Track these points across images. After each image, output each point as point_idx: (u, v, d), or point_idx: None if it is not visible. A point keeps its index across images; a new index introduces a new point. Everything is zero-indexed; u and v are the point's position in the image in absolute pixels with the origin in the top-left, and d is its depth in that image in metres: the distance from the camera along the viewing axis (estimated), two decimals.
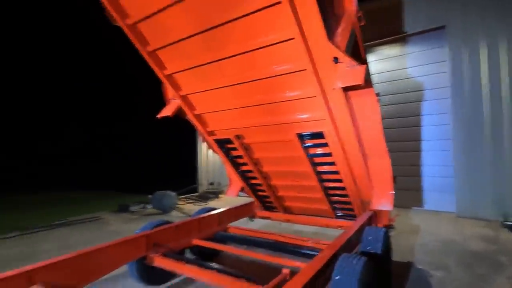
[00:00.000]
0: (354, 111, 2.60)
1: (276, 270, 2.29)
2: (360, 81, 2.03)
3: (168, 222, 3.28)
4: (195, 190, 11.83)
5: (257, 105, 2.99)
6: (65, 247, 4.48)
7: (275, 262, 2.78)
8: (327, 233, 4.92)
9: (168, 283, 3.16)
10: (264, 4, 2.12)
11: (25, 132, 22.09)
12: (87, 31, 20.46)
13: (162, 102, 3.61)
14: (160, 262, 2.72)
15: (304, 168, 3.33)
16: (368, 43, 7.62)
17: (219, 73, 2.83)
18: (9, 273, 1.91)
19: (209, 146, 3.95)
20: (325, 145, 2.95)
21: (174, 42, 2.68)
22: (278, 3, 2.05)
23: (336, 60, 2.19)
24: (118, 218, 7.04)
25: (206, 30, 2.48)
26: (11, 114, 21.25)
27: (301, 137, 2.97)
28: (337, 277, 1.78)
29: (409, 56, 7.36)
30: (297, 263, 2.56)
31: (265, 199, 4.42)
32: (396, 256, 3.72)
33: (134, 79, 19.87)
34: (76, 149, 23.79)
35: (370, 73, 7.01)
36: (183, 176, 13.04)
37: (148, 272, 2.92)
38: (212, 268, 2.41)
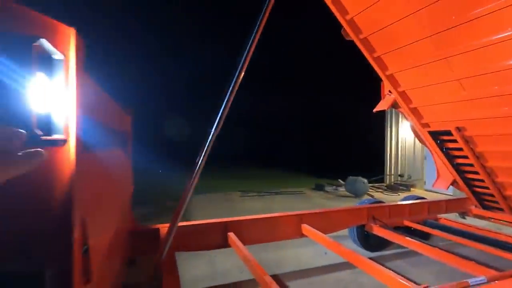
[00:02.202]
0: None
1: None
2: None
3: (381, 202, 3.82)
4: (382, 180, 11.74)
5: (489, 96, 2.89)
6: (289, 208, 6.06)
7: (503, 257, 2.68)
8: None
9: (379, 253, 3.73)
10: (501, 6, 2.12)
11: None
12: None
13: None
14: (379, 231, 3.31)
15: None
16: None
17: (447, 68, 2.97)
18: (288, 213, 3.10)
19: (419, 138, 4.10)
20: None
21: (401, 47, 3.09)
22: None
23: None
24: (317, 195, 8.38)
25: (436, 34, 2.72)
26: None
27: None
28: None
29: None
30: None
31: (485, 196, 4.03)
32: None
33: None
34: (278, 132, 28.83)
35: None
36: (370, 164, 13.16)
37: (365, 238, 3.61)
38: (435, 246, 2.73)
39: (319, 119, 26.50)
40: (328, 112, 25.10)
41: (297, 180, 12.30)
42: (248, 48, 1.94)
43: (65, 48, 0.72)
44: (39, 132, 0.67)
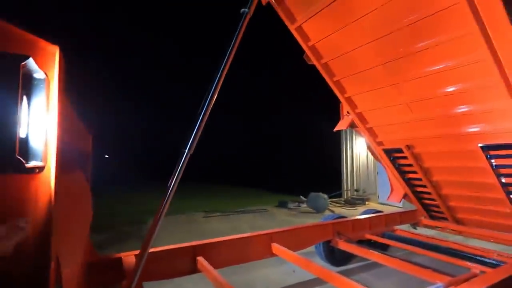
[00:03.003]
0: None
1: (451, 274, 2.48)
2: None
3: (343, 217, 3.99)
4: (340, 195, 12.30)
5: (432, 118, 3.26)
6: (257, 227, 6.01)
7: (455, 263, 2.95)
8: None
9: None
10: (456, 34, 2.47)
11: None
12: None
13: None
14: (344, 245, 3.43)
15: (487, 180, 3.28)
16: None
17: (396, 93, 3.31)
18: (255, 233, 3.08)
19: (374, 155, 4.43)
20: None
21: (357, 73, 3.38)
22: (468, 31, 2.37)
23: None
24: (281, 212, 8.46)
25: (387, 62, 3.04)
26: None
27: (485, 148, 3.01)
28: None
29: None
30: (480, 268, 2.67)
31: (432, 207, 4.44)
32: None
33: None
34: (237, 150, 28.99)
35: None
36: (327, 180, 13.76)
37: (331, 254, 3.71)
38: (395, 257, 2.90)
39: (278, 137, 27.34)
40: (286, 130, 26.06)
41: (260, 198, 12.33)
42: (221, 69, 1.97)
43: (49, 67, 0.66)
44: (22, 160, 0.59)
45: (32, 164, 0.62)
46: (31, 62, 0.59)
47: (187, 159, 1.80)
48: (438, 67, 2.80)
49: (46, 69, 0.65)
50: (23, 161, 0.59)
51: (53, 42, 0.66)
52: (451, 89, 2.88)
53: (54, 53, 0.66)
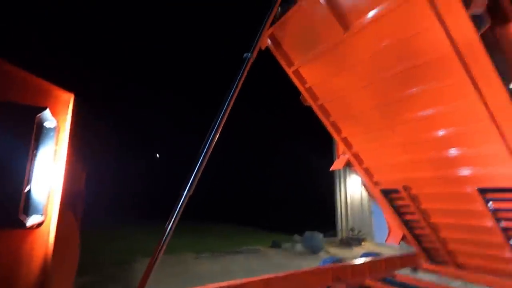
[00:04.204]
0: None
1: None
2: None
3: (341, 260, 3.83)
4: (335, 234, 11.99)
5: (427, 160, 3.31)
6: (250, 270, 5.70)
7: None
8: None
9: None
10: (445, 83, 2.60)
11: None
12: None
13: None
14: None
15: (486, 223, 3.24)
16: None
17: (392, 134, 3.38)
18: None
19: (371, 196, 4.40)
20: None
21: (353, 114, 3.47)
22: (459, 79, 2.49)
23: None
24: (275, 253, 8.12)
25: (381, 105, 3.15)
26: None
27: (483, 191, 3.02)
28: None
29: None
30: None
31: (432, 251, 4.32)
32: None
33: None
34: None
35: None
36: (322, 218, 13.48)
37: None
38: None
39: (272, 175, 27.16)
40: (281, 167, 25.97)
41: (253, 236, 11.89)
42: (222, 111, 1.99)
43: (61, 115, 0.65)
44: (24, 218, 0.55)
45: (31, 220, 0.57)
46: (45, 113, 0.58)
47: (186, 200, 1.75)
48: (429, 112, 2.90)
49: (59, 117, 0.63)
50: (24, 218, 0.54)
51: (69, 89, 0.65)
52: (443, 132, 2.96)
53: (68, 101, 0.65)
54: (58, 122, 0.64)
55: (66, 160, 0.67)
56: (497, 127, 2.55)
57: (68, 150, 0.67)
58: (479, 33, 2.21)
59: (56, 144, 0.65)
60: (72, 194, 1.52)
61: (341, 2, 2.67)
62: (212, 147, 1.84)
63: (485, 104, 2.50)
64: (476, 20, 2.15)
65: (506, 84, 2.43)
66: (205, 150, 1.79)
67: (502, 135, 2.55)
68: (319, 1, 2.66)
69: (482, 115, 2.55)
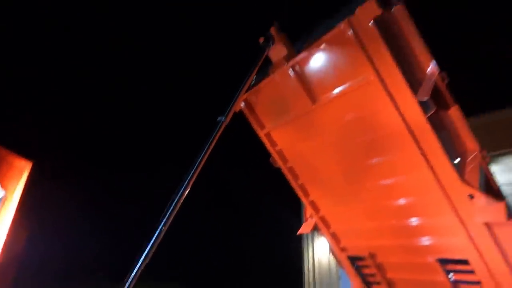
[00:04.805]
0: (501, 240, 2.71)
1: None
2: (502, 218, 2.31)
3: None
4: None
5: (390, 227, 3.40)
6: None
7: None
8: None
9: None
10: (401, 156, 2.84)
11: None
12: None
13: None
14: None
15: None
16: (493, 152, 7.29)
17: (356, 200, 3.48)
18: None
19: (339, 262, 4.31)
20: (471, 272, 2.97)
21: (320, 178, 3.59)
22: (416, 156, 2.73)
23: (471, 196, 2.57)
24: None
25: (346, 172, 3.32)
26: None
27: (443, 262, 3.09)
28: None
29: None
30: None
31: None
32: None
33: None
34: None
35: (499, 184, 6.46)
36: (288, 283, 12.68)
37: None
38: None
39: (238, 241, 25.50)
40: (247, 234, 24.55)
41: None
42: (190, 174, 1.97)
43: (12, 184, 0.60)
44: None
45: None
46: None
47: (142, 267, 1.60)
48: (388, 182, 3.09)
49: (10, 185, 0.59)
50: None
51: (29, 157, 0.61)
52: (402, 202, 3.12)
53: (23, 169, 0.61)
54: (8, 191, 0.60)
55: (9, 228, 0.60)
56: (449, 199, 2.74)
57: (13, 218, 0.61)
58: (427, 116, 2.52)
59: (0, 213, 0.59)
60: (7, 260, 1.33)
61: (310, 78, 2.98)
62: (176, 210, 1.76)
63: (436, 177, 2.72)
64: (423, 105, 2.47)
65: (452, 159, 2.72)
66: (167, 215, 1.71)
67: (453, 207, 2.73)
68: (289, 75, 2.95)
69: (434, 187, 2.75)
